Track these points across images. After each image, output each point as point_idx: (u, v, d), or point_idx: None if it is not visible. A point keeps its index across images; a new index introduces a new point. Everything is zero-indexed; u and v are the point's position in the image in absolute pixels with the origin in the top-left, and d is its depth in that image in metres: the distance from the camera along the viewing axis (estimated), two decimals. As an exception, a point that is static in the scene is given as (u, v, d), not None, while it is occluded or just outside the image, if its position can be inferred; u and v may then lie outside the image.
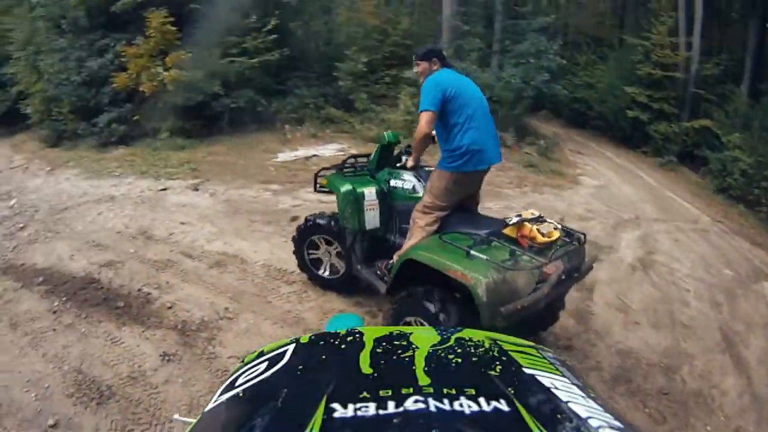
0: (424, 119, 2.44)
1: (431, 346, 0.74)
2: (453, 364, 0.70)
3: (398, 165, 3.02)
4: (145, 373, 3.10)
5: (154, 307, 3.70)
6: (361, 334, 0.79)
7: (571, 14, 15.40)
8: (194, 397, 2.90)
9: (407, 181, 2.89)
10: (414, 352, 0.72)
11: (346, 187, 2.90)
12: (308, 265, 3.52)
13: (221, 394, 0.70)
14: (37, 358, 3.31)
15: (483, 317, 2.01)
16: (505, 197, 5.85)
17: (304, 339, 0.81)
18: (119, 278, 4.10)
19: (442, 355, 0.72)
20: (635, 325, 3.56)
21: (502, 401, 0.56)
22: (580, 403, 0.61)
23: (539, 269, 2.12)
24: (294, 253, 3.57)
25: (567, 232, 2.48)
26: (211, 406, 0.68)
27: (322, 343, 0.80)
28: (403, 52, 9.51)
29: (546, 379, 0.67)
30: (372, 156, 3.14)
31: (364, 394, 0.58)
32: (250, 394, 0.66)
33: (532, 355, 0.78)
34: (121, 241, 4.76)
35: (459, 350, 0.73)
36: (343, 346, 0.76)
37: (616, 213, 5.97)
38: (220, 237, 4.72)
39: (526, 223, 2.35)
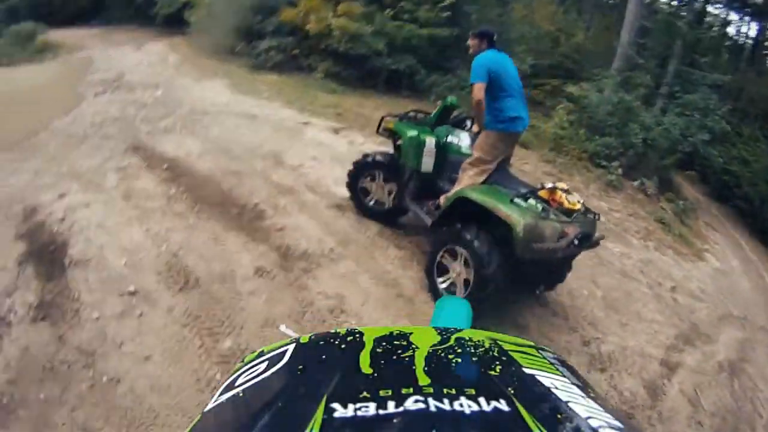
0: (477, 88, 3.30)
1: (431, 346, 0.82)
2: (453, 364, 0.77)
3: (464, 127, 4.03)
4: (235, 279, 3.64)
5: (265, 224, 4.29)
6: (361, 333, 0.88)
7: (748, 81, 15.22)
8: (271, 317, 3.32)
9: (462, 139, 3.85)
10: (414, 352, 0.80)
11: (412, 133, 3.86)
12: (358, 194, 4.47)
13: (221, 394, 0.78)
14: (139, 231, 4.05)
15: (518, 249, 2.83)
16: (627, 243, 5.98)
17: (304, 339, 0.91)
18: (240, 189, 4.80)
19: (442, 355, 0.79)
20: (698, 424, 3.58)
21: (502, 401, 0.62)
22: (580, 403, 0.66)
23: (562, 226, 2.94)
24: (348, 181, 4.43)
25: (586, 208, 3.28)
26: (211, 405, 0.76)
27: (322, 343, 0.89)
28: (571, 65, 10.48)
29: (546, 379, 0.74)
30: (434, 113, 4.11)
31: (364, 393, 0.64)
32: (250, 394, 0.74)
33: (532, 355, 0.85)
34: (251, 157, 5.54)
35: (459, 350, 0.81)
36: (343, 346, 0.85)
37: (726, 304, 5.88)
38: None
39: (558, 190, 3.18)
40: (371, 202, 4.45)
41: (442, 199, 3.70)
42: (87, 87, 9.15)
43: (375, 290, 3.75)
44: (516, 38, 10.47)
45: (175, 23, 14.20)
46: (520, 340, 0.94)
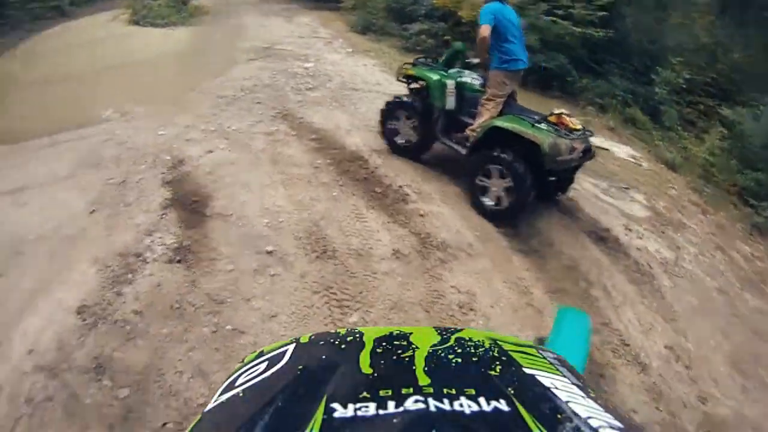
0: (483, 29, 4.69)
1: (431, 346, 0.96)
2: (453, 364, 0.89)
3: (472, 65, 5.51)
4: (372, 257, 4.18)
5: (408, 207, 4.84)
6: (361, 334, 1.03)
7: None
8: (402, 299, 3.81)
9: (474, 79, 5.32)
10: (414, 352, 0.93)
11: (436, 77, 5.33)
12: (387, 134, 5.96)
13: (221, 394, 0.93)
14: (283, 195, 4.77)
15: (546, 163, 4.33)
16: (765, 296, 5.72)
17: (304, 339, 1.07)
18: (386, 169, 5.43)
19: (442, 355, 0.92)
20: None
21: (502, 401, 0.72)
22: (580, 403, 0.76)
23: (572, 142, 4.33)
24: (380, 123, 5.97)
25: (584, 127, 4.65)
26: (211, 406, 0.90)
27: (321, 343, 1.06)
28: (728, 85, 10.54)
29: (546, 379, 0.84)
30: (443, 57, 5.67)
31: (364, 394, 0.76)
32: (250, 394, 0.88)
33: (532, 355, 0.97)
34: None
35: (459, 350, 0.94)
36: (343, 346, 1.00)
37: None
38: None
39: (563, 115, 4.60)
40: (400, 141, 5.90)
41: (468, 131, 5.17)
42: (239, 53, 10.72)
43: (507, 294, 4.16)
44: (672, 47, 10.89)
45: None
46: (520, 340, 1.09)
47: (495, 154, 4.78)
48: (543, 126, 4.58)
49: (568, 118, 4.72)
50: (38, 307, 3.88)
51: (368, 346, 0.99)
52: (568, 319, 1.74)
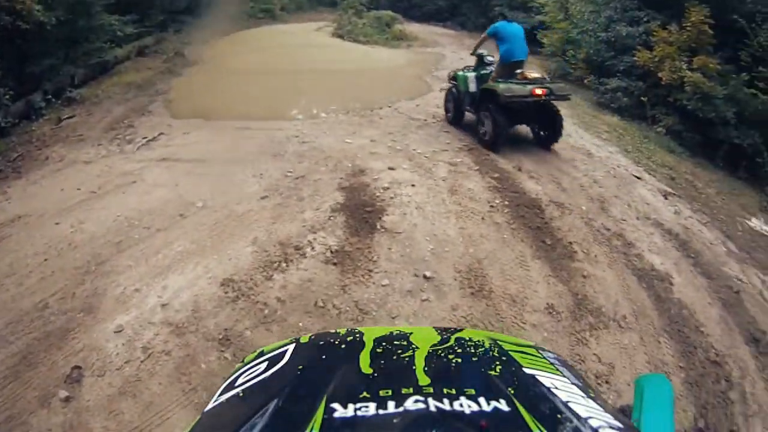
0: (486, 35, 7.56)
1: (431, 346, 0.97)
2: (453, 364, 0.91)
3: (488, 63, 7.83)
4: (525, 306, 4.20)
5: (572, 265, 4.81)
6: (361, 334, 1.04)
7: None
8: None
9: (488, 68, 7.71)
10: (414, 352, 0.95)
11: (462, 74, 8.01)
12: (445, 108, 8.78)
13: (221, 394, 0.96)
14: (454, 226, 4.98)
15: (501, 100, 6.75)
16: None
17: (304, 339, 1.09)
18: (560, 222, 5.43)
19: (442, 355, 0.94)
20: None
21: (502, 401, 0.73)
22: (580, 403, 0.76)
23: (527, 87, 6.72)
24: (444, 102, 8.78)
25: (543, 77, 7.21)
26: (211, 405, 0.94)
27: (322, 343, 1.08)
28: None
29: (546, 379, 0.85)
30: (475, 63, 8.03)
31: (364, 394, 0.77)
32: (250, 394, 0.92)
33: (532, 355, 0.98)
34: (578, 194, 6.23)
35: (459, 350, 0.96)
36: (343, 346, 1.02)
37: None
38: (664, 254, 5.56)
39: (524, 72, 7.09)
40: (448, 113, 8.56)
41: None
42: (433, 80, 11.42)
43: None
44: None
45: (528, 41, 17.08)
46: (520, 341, 1.11)
47: (483, 107, 7.38)
48: (505, 83, 7.05)
49: (528, 73, 7.18)
50: (186, 269, 4.34)
51: (368, 346, 1.03)
52: (651, 387, 1.69)
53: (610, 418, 0.79)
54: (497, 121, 7.08)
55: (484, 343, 1.06)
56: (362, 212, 5.15)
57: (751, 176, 9.83)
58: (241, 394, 0.98)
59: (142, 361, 3.46)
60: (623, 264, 5.16)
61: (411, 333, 1.12)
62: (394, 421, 0.74)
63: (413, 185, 5.78)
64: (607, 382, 3.87)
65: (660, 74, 10.57)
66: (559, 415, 0.77)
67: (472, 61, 8.13)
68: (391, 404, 0.78)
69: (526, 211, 5.56)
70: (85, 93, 9.50)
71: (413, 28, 17.85)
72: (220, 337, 3.69)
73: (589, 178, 6.90)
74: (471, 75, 7.89)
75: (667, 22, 11.17)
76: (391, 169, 6.17)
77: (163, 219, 5.08)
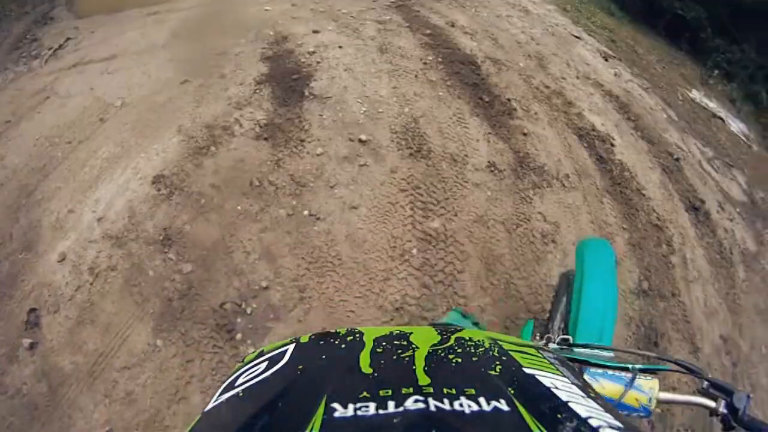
0: None
1: (431, 346, 0.96)
2: (453, 364, 0.90)
3: None
4: (466, 165, 4.11)
5: (512, 122, 4.70)
6: (361, 333, 1.04)
7: None
8: (487, 214, 3.94)
9: None
10: (414, 352, 0.94)
11: None
12: None
13: (221, 394, 0.95)
14: (387, 86, 4.68)
15: None
16: None
17: (304, 339, 1.08)
18: (497, 78, 5.24)
19: (442, 354, 0.93)
20: None
21: (502, 401, 0.71)
22: (580, 403, 0.75)
23: None
24: None
25: None
26: (210, 405, 0.92)
27: (322, 342, 1.07)
28: None
29: (546, 379, 0.84)
30: None
31: (364, 393, 0.75)
32: (250, 394, 0.90)
33: (532, 355, 0.97)
34: (515, 51, 6.00)
35: (459, 350, 0.95)
36: (343, 346, 1.01)
37: None
38: (604, 115, 5.59)
39: None
40: None
41: None
42: None
43: (590, 234, 4.19)
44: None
45: None
46: (520, 340, 1.08)
47: None
48: None
49: None
50: (115, 175, 4.07)
51: (368, 346, 1.01)
52: (592, 251, 1.75)
53: (610, 418, 0.74)
54: None
55: (484, 343, 1.03)
56: (289, 81, 4.83)
57: (693, 49, 9.97)
58: (241, 394, 0.94)
59: (91, 284, 3.36)
60: (564, 123, 5.12)
61: (411, 333, 1.08)
62: (394, 421, 0.71)
63: (340, 47, 5.43)
64: (553, 242, 3.94)
65: None
66: (559, 415, 0.73)
67: None
68: (391, 404, 0.75)
69: (461, 68, 5.35)
70: None
71: None
72: (161, 238, 3.56)
73: (526, 35, 6.72)
74: None
75: None
76: (315, 32, 5.76)
77: (84, 128, 4.72)
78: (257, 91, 4.72)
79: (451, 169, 4.10)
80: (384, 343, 1.02)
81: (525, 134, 4.69)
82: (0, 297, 3.47)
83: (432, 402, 0.73)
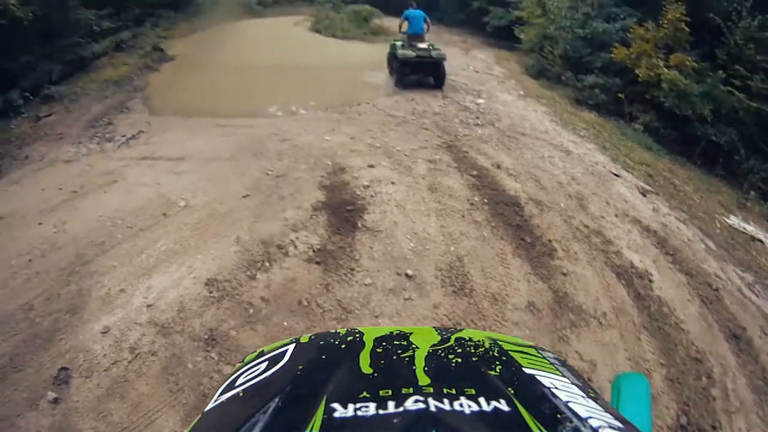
0: (401, 22, 11.23)
1: (431, 346, 0.98)
2: (453, 364, 0.92)
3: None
4: (506, 304, 4.26)
5: (552, 263, 4.87)
6: (362, 333, 1.05)
7: None
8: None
9: (403, 46, 10.46)
10: (414, 352, 0.96)
11: (392, 44, 11.14)
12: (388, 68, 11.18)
13: (221, 394, 0.97)
14: (435, 224, 5.00)
15: (398, 57, 10.42)
16: None
17: (304, 339, 1.10)
18: (539, 219, 5.48)
19: (442, 355, 0.95)
20: None
21: (502, 401, 0.74)
22: (580, 403, 0.78)
23: (415, 52, 10.27)
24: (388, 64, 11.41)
25: (431, 47, 10.66)
26: (210, 406, 0.94)
27: (322, 343, 1.09)
28: None
29: (546, 379, 0.86)
30: (402, 38, 11.09)
31: (364, 393, 0.78)
32: (250, 394, 0.92)
33: (532, 355, 0.99)
34: (557, 192, 6.27)
35: (459, 350, 0.97)
36: (343, 346, 1.03)
37: None
38: (643, 251, 5.65)
39: (418, 44, 10.67)
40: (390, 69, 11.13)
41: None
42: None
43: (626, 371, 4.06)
44: None
45: (504, 36, 17.19)
46: (520, 340, 1.12)
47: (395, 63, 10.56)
48: (405, 49, 10.54)
49: (419, 44, 10.73)
50: (170, 269, 4.37)
51: (368, 346, 1.04)
52: (628, 385, 1.70)
53: (610, 418, 0.80)
54: (401, 71, 10.72)
55: (484, 343, 1.07)
56: (343, 210, 5.20)
57: (728, 173, 10.00)
58: (241, 394, 0.97)
59: (129, 362, 3.49)
60: (602, 261, 5.25)
61: (411, 333, 1.12)
62: (394, 421, 0.74)
63: (393, 183, 5.84)
64: (589, 380, 3.90)
65: (637, 71, 10.80)
66: (559, 415, 0.78)
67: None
68: (391, 404, 0.78)
69: (505, 209, 5.64)
70: (63, 90, 9.43)
71: (391, 23, 17.79)
72: (206, 337, 3.71)
73: (567, 176, 7.00)
74: (398, 43, 11.13)
75: (644, 19, 11.36)
76: (371, 166, 6.23)
77: (146, 218, 5.09)
78: (313, 216, 5.08)
79: (491, 307, 4.26)
80: (384, 343, 1.05)
81: (564, 274, 4.85)
82: (35, 347, 3.64)
83: (432, 402, 0.76)
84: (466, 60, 14.54)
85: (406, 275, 4.43)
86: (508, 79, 12.96)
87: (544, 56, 13.78)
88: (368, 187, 5.67)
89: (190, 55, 12.86)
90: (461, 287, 4.40)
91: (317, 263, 4.47)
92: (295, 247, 4.67)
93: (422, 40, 10.93)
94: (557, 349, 4.04)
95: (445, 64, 10.87)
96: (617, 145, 9.34)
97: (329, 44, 15.09)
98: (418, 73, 10.98)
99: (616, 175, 7.67)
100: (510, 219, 5.48)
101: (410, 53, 10.39)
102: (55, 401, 3.25)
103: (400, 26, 11.36)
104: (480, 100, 10.09)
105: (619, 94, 11.36)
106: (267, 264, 4.44)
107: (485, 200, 5.75)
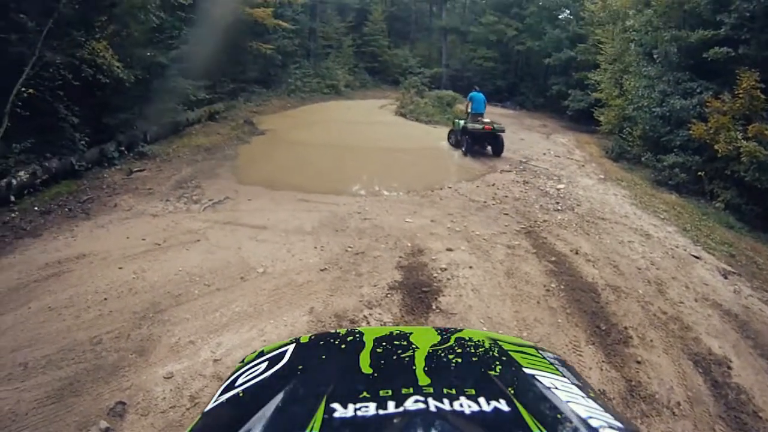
0: (466, 103, 14.31)
1: (431, 346, 0.98)
2: (453, 364, 0.92)
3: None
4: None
5: (626, 351, 4.76)
6: (362, 334, 1.05)
7: None
8: None
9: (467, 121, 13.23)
10: (414, 352, 0.96)
11: (457, 122, 13.87)
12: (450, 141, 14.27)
13: (221, 394, 0.98)
14: (509, 310, 5.06)
15: (468, 129, 13.13)
16: None
17: (305, 339, 1.10)
18: (615, 306, 5.42)
19: (442, 355, 0.95)
20: None
21: (502, 401, 0.74)
22: (580, 403, 0.78)
23: (481, 126, 12.91)
24: (449, 138, 14.53)
25: (493, 123, 13.32)
26: (211, 406, 0.95)
27: (321, 343, 1.09)
28: None
29: (546, 379, 0.87)
30: (464, 115, 14.23)
31: (364, 394, 0.79)
32: (250, 394, 0.93)
33: (532, 355, 0.98)
34: (635, 278, 6.19)
35: (459, 350, 0.97)
36: (343, 346, 1.03)
37: None
38: (722, 336, 5.38)
39: (482, 118, 13.54)
40: (450, 141, 14.16)
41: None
42: (496, 161, 12.04)
43: None
44: None
45: (583, 119, 17.77)
46: (520, 341, 1.12)
47: (464, 135, 12.97)
48: (471, 123, 12.92)
49: (483, 119, 13.05)
50: (242, 330, 4.52)
51: (368, 346, 1.04)
52: None
53: (610, 418, 0.80)
54: (469, 141, 12.92)
55: (484, 343, 1.08)
56: (419, 291, 5.26)
57: None
58: (241, 394, 0.99)
59: (187, 409, 3.56)
60: (679, 348, 5.10)
61: (411, 333, 1.14)
62: (394, 421, 0.75)
63: (470, 267, 5.90)
64: None
65: (716, 146, 10.60)
66: (559, 415, 0.79)
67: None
68: (391, 404, 0.79)
69: (581, 295, 5.59)
70: (156, 149, 10.24)
71: (472, 107, 18.46)
72: None
73: (646, 260, 6.89)
74: (460, 122, 13.42)
75: (719, 91, 11.27)
76: (449, 250, 6.32)
77: (224, 279, 5.31)
78: (389, 295, 5.18)
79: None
80: (384, 344, 1.06)
81: (639, 362, 4.72)
82: (96, 378, 3.77)
83: (432, 402, 0.78)
84: (547, 145, 14.82)
85: (478, 359, 4.34)
86: (588, 162, 13.15)
87: (624, 138, 13.98)
88: (445, 270, 5.75)
89: (279, 130, 13.73)
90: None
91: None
92: (368, 323, 4.72)
93: (483, 117, 13.35)
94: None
95: (503, 136, 13.29)
96: (698, 226, 9.15)
97: (413, 128, 15.83)
98: (482, 143, 13.23)
99: (696, 257, 7.48)
100: (586, 306, 5.43)
101: (478, 126, 12.71)
102: (106, 431, 3.35)
103: (467, 106, 13.71)
104: (560, 185, 10.21)
105: (699, 173, 11.19)
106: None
107: (562, 286, 5.73)
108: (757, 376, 4.88)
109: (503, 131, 13.15)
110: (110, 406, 3.55)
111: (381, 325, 4.67)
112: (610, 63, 16.27)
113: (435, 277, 5.56)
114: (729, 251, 8.13)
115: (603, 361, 4.63)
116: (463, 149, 12.98)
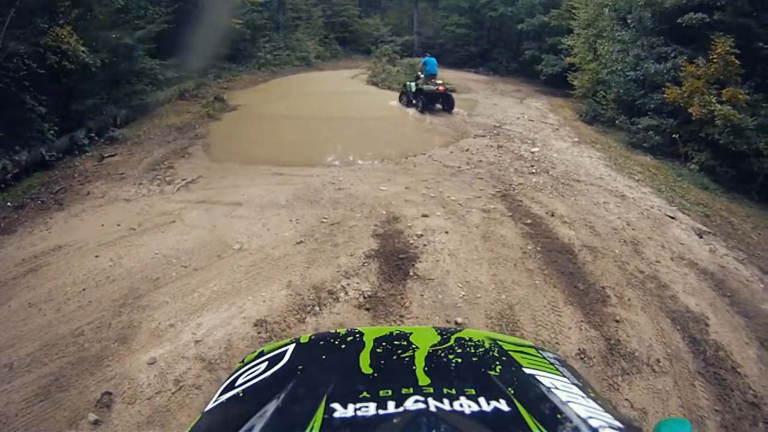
0: (420, 66, 15.17)
1: (431, 346, 0.98)
2: (453, 364, 0.93)
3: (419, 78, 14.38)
4: (557, 351, 4.14)
5: (605, 310, 4.79)
6: (361, 334, 1.05)
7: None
8: None
9: (420, 80, 14.48)
10: (414, 352, 0.96)
11: (408, 83, 15.01)
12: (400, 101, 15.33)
13: (221, 394, 0.97)
14: (486, 273, 5.03)
15: (423, 89, 14.25)
16: None
17: (305, 339, 1.10)
18: (592, 266, 5.42)
19: (442, 355, 0.95)
20: None
21: (502, 401, 0.74)
22: (580, 403, 0.78)
23: (435, 87, 14.10)
24: (400, 99, 15.44)
25: (444, 84, 14.59)
26: (211, 406, 0.95)
27: (322, 343, 1.10)
28: None
29: (546, 379, 0.87)
30: (415, 78, 15.20)
31: (364, 394, 0.79)
32: (250, 394, 0.93)
33: (532, 355, 1.00)
34: (611, 238, 6.21)
35: (459, 350, 0.98)
36: (343, 346, 1.03)
37: None
38: (699, 294, 5.47)
39: (435, 80, 14.46)
40: (402, 101, 15.15)
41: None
42: (469, 126, 11.92)
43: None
44: None
45: (557, 83, 17.79)
46: (520, 340, 1.13)
47: (418, 96, 14.20)
48: (424, 84, 14.06)
49: (436, 81, 14.09)
50: (221, 308, 4.49)
51: (368, 346, 1.05)
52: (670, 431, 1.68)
53: (610, 418, 0.81)
54: (424, 101, 13.97)
55: (484, 343, 1.08)
56: (396, 259, 5.24)
57: None
58: (241, 394, 1.00)
59: (173, 393, 3.58)
60: (657, 307, 5.16)
61: (411, 333, 1.14)
62: (394, 421, 0.75)
63: (446, 232, 5.90)
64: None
65: (690, 110, 10.70)
66: (559, 415, 0.79)
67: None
68: (391, 404, 0.80)
69: (558, 257, 5.61)
70: (127, 133, 10.07)
71: (446, 74, 18.28)
72: None
73: (622, 221, 6.97)
74: (411, 84, 14.66)
75: (693, 56, 11.39)
76: (425, 216, 6.31)
77: (201, 259, 5.26)
78: (366, 264, 5.15)
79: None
80: (384, 344, 1.07)
81: (617, 321, 4.77)
82: (81, 371, 3.76)
83: (432, 402, 0.78)
84: (521, 109, 14.89)
85: (456, 323, 4.41)
86: (562, 126, 13.22)
87: (598, 101, 14.04)
88: (421, 236, 5.74)
89: (250, 105, 13.59)
90: (510, 335, 4.34)
91: (367, 309, 4.52)
92: (346, 293, 4.74)
93: (437, 79, 14.37)
94: (607, 398, 3.94)
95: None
96: (673, 187, 9.27)
97: (386, 96, 15.88)
98: (436, 102, 14.35)
99: (671, 217, 7.60)
100: (563, 267, 5.45)
101: (432, 87, 13.94)
102: (96, 423, 3.35)
103: (421, 69, 14.70)
104: (534, 149, 10.22)
105: (674, 135, 11.31)
106: (317, 308, 4.53)
107: (538, 248, 5.74)
108: (735, 333, 4.97)
109: (454, 91, 15.42)
110: (97, 397, 3.54)
111: (359, 294, 4.68)
112: (583, 28, 16.30)
113: (411, 244, 5.54)
114: (704, 211, 8.28)
115: (582, 321, 4.67)
116: (419, 108, 14.15)
